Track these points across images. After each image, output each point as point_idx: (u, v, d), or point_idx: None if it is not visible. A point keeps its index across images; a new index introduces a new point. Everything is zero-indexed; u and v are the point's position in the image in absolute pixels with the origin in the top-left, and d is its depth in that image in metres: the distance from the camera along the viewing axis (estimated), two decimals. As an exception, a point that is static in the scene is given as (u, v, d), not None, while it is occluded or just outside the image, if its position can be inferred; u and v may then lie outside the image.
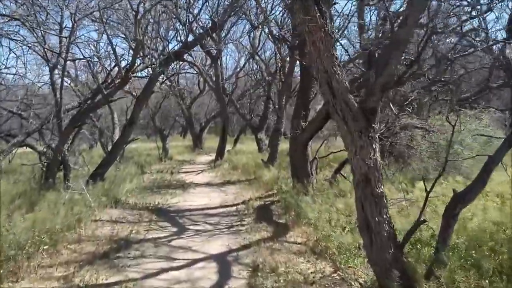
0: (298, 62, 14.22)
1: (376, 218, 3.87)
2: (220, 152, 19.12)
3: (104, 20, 8.89)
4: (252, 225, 7.53)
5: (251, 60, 22.21)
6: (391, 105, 6.96)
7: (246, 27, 23.74)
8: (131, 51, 9.55)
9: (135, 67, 11.33)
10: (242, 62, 25.44)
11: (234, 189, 12.16)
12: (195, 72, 24.16)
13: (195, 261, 5.84)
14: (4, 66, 12.54)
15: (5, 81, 12.51)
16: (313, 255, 5.71)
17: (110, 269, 5.51)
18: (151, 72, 11.21)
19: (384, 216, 3.92)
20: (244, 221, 8.00)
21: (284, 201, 8.83)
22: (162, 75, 12.01)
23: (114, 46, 9.03)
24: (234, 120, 37.69)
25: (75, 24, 8.74)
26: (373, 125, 4.02)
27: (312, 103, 10.69)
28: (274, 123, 25.65)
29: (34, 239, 5.89)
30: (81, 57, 9.73)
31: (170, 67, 15.70)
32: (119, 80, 8.51)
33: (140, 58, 10.74)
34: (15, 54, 10.55)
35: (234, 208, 9.39)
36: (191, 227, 7.80)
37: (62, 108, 9.63)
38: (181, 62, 24.72)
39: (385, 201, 3.98)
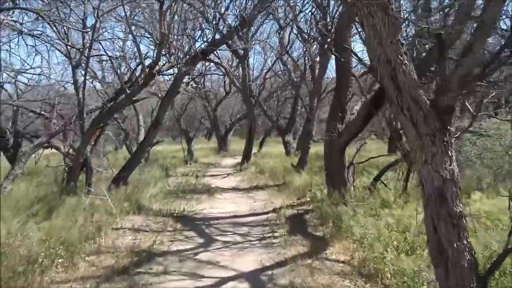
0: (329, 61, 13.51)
1: (455, 244, 3.10)
2: (246, 155, 18.49)
3: (127, 15, 8.39)
4: (286, 238, 6.80)
5: (278, 60, 21.57)
6: (466, 103, 6.09)
7: (273, 27, 23.11)
8: (156, 49, 9.00)
9: (160, 66, 10.83)
10: (268, 63, 24.84)
11: (263, 195, 11.46)
12: (221, 73, 23.69)
13: (224, 280, 5.16)
14: (29, 67, 12.27)
15: (30, 81, 12.26)
16: (361, 277, 4.94)
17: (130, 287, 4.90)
18: (176, 71, 10.67)
19: (465, 242, 3.14)
20: (276, 232, 7.28)
21: (319, 210, 8.06)
22: (188, 75, 11.44)
23: (139, 42, 8.51)
24: (259, 122, 37.08)
25: (98, 20, 8.24)
26: (449, 127, 3.25)
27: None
28: (301, 125, 24.90)
29: (49, 251, 5.35)
30: (104, 55, 9.23)
31: (196, 67, 15.17)
32: (143, 78, 7.95)
33: (166, 56, 10.21)
34: (39, 52, 10.23)
35: (264, 216, 8.69)
36: (218, 237, 7.14)
37: (84, 108, 9.17)
38: (207, 64, 24.33)
39: (465, 222, 3.19)
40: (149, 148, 12.55)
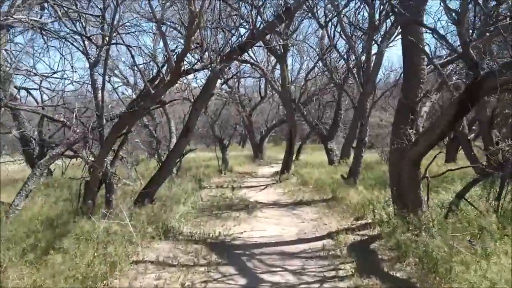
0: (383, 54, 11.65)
1: None
2: (286, 164, 16.84)
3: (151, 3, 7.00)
4: (357, 281, 5.07)
5: (318, 62, 19.89)
6: None
7: (310, 28, 21.45)
8: (184, 40, 7.54)
9: (191, 64, 9.41)
10: (305, 66, 23.20)
11: (311, 212, 9.76)
12: (257, 76, 22.25)
13: None
14: (53, 72, 11.15)
15: (52, 86, 11.18)
16: None
17: None
18: (209, 71, 9.21)
19: None
20: (340, 269, 5.57)
21: (392, 238, 6.28)
22: (222, 76, 9.96)
23: (164, 32, 7.08)
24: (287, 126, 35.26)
25: (118, 6, 6.88)
26: None
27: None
28: (344, 131, 23.01)
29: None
30: (125, 49, 7.85)
31: (230, 69, 13.68)
32: (169, 75, 6.48)
33: (197, 52, 8.77)
34: (62, 55, 9.06)
35: (318, 244, 6.98)
36: (265, 277, 5.51)
37: (104, 113, 7.83)
38: (241, 66, 22.94)
39: None
40: (180, 158, 11.11)
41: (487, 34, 5.82)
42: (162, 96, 7.64)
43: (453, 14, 5.46)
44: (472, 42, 5.24)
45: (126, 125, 7.56)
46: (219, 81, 10.75)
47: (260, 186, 15.25)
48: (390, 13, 11.20)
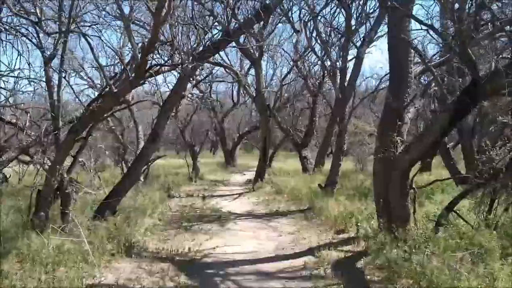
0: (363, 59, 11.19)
1: None
2: (260, 172, 16.18)
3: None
4: (346, 308, 4.46)
5: (294, 68, 19.45)
6: None
7: (284, 34, 21.05)
8: (150, 32, 6.80)
9: (161, 64, 8.67)
10: (278, 72, 22.74)
11: (288, 224, 9.14)
12: (230, 81, 21.61)
13: None
14: (9, 70, 10.11)
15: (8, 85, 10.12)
16: None
17: None
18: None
19: None
20: (326, 293, 4.95)
21: (380, 256, 5.71)
22: (193, 77, 9.24)
23: (130, 25, 6.30)
24: (259, 134, 34.60)
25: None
26: None
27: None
28: (317, 140, 22.63)
29: None
30: (86, 42, 6.93)
31: (202, 71, 12.92)
32: (134, 71, 5.71)
33: (168, 51, 8.05)
34: (17, 50, 8.09)
35: (299, 261, 6.35)
36: (241, 302, 4.82)
37: (60, 114, 6.96)
38: (214, 70, 22.22)
39: None
40: (145, 166, 10.29)
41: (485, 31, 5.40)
42: (128, 96, 6.83)
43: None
44: (472, 40, 4.76)
45: (85, 128, 6.71)
46: (190, 84, 9.96)
47: (233, 195, 14.54)
48: (376, 9, 10.76)
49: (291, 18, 17.58)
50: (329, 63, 15.15)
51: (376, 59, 60.88)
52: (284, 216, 10.17)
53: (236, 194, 14.61)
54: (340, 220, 8.21)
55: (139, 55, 5.44)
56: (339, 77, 13.40)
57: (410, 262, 5.00)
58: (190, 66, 8.20)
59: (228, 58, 20.79)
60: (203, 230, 8.44)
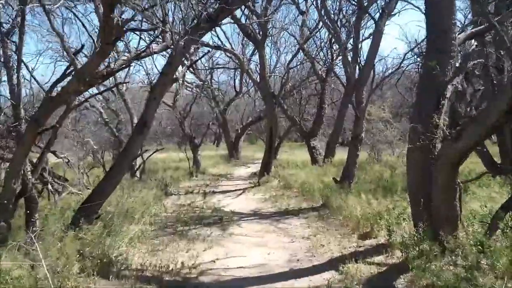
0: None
1: None
2: (266, 165, 14.85)
3: None
4: None
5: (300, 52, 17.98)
6: None
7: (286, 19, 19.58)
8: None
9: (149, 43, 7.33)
10: (282, 59, 21.24)
11: (301, 227, 7.82)
12: (231, 67, 20.24)
13: None
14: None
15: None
16: None
17: None
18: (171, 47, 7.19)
19: None
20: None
21: (430, 274, 4.35)
22: (187, 58, 7.85)
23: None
24: (263, 124, 33.03)
25: None
26: None
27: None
28: (324, 129, 21.25)
29: None
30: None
31: (198, 50, 11.32)
32: (101, 35, 4.32)
33: (157, 27, 6.68)
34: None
35: (319, 278, 5.03)
36: None
37: (21, 100, 5.64)
38: (214, 57, 20.82)
39: None
40: (133, 160, 9.01)
41: None
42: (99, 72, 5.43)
43: None
44: None
45: (47, 116, 5.37)
46: (182, 67, 8.53)
47: (236, 190, 13.25)
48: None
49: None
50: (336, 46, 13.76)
51: (384, 45, 58.84)
52: (295, 215, 8.85)
53: (240, 189, 13.32)
54: (364, 221, 6.87)
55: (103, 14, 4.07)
56: (350, 58, 12.11)
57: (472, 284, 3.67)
58: (182, 43, 6.89)
59: (229, 42, 19.45)
60: (201, 237, 7.14)
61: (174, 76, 7.64)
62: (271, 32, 17.15)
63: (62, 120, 6.05)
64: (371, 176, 11.18)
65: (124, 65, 6.61)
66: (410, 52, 9.59)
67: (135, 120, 16.09)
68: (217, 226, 8.05)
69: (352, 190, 9.16)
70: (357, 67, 9.39)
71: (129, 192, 10.08)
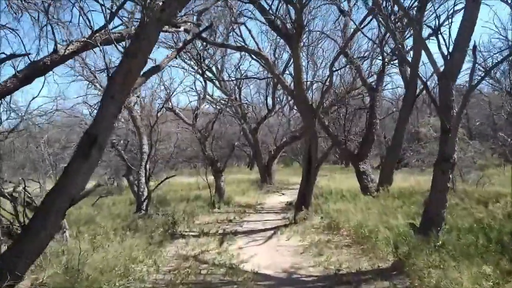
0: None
1: None
2: (303, 196, 11.53)
3: None
4: None
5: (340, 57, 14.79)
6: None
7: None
8: None
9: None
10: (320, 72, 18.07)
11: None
12: (261, 77, 17.31)
13: None
14: None
15: None
16: None
17: None
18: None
19: None
20: None
21: None
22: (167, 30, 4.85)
23: None
24: (299, 144, 29.51)
25: None
26: None
27: None
28: (374, 149, 17.70)
29: None
30: None
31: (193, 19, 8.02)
32: None
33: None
34: None
35: None
36: None
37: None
38: (242, 67, 17.97)
39: None
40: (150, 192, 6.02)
41: None
42: None
43: None
44: None
45: None
46: (170, 56, 5.51)
47: (266, 230, 10.05)
48: None
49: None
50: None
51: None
52: (350, 284, 5.53)
53: (271, 229, 10.08)
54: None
55: None
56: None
57: None
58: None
59: (255, 42, 16.52)
60: None
61: (155, 63, 4.67)
62: (307, 33, 14.20)
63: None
64: (462, 217, 7.60)
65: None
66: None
67: (145, 141, 13.36)
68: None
69: (444, 244, 5.71)
70: (441, 56, 6.06)
71: (112, 239, 7.15)
